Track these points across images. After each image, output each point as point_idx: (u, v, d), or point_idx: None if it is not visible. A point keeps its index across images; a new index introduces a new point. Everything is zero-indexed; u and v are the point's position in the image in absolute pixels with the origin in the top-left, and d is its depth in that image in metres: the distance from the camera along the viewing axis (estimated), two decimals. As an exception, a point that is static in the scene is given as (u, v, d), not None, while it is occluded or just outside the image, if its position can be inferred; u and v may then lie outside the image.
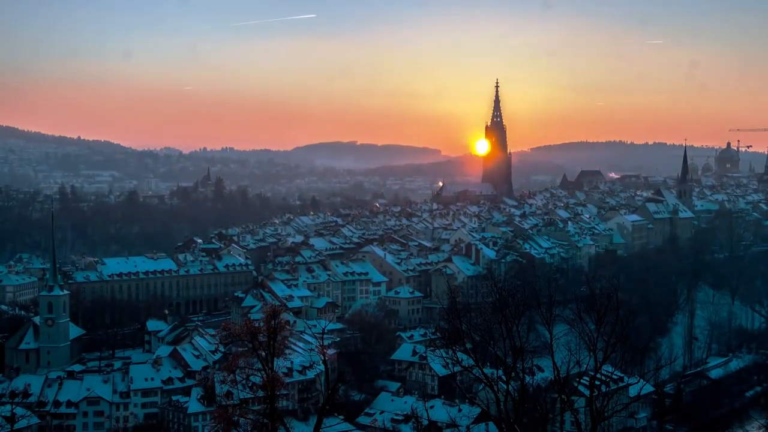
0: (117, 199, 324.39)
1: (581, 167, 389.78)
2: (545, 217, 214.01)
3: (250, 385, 51.27)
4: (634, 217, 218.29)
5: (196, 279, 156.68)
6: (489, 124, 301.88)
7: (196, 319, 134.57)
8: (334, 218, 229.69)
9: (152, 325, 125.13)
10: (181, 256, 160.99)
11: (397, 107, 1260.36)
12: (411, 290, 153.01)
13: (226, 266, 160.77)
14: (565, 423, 44.09)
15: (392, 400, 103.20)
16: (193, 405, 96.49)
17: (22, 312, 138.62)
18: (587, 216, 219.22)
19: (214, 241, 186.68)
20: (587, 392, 42.10)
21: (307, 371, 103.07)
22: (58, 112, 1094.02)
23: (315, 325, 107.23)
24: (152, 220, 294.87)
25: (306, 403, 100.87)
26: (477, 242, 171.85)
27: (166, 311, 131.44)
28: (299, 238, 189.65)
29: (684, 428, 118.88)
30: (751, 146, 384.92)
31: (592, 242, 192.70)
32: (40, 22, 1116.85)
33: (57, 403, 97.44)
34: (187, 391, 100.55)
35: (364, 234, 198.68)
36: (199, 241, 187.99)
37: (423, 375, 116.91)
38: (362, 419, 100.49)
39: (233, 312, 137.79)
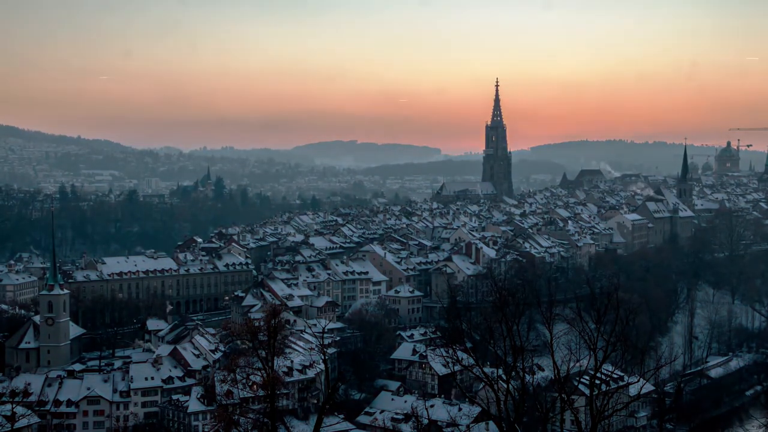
0: (117, 198, 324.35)
1: (581, 166, 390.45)
2: (545, 216, 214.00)
3: (250, 384, 51.32)
4: (634, 216, 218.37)
5: (196, 278, 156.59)
6: (489, 123, 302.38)
7: (196, 318, 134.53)
8: (334, 217, 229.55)
9: (152, 324, 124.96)
10: (181, 256, 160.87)
11: (397, 106, 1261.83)
12: (411, 289, 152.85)
13: (226, 265, 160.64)
14: (565, 422, 44.05)
15: (392, 400, 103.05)
16: (194, 404, 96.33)
17: (23, 311, 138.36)
18: (587, 215, 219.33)
19: (214, 240, 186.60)
20: (587, 391, 42.12)
21: (307, 370, 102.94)
22: (58, 111, 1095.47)
23: (315, 325, 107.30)
24: (152, 219, 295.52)
25: (306, 403, 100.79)
26: (477, 241, 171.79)
27: (167, 312, 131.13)
28: (299, 237, 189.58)
29: (684, 427, 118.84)
30: (751, 145, 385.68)
31: (592, 241, 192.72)
32: (39, 22, 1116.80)
33: (57, 403, 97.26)
34: (187, 391, 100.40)
35: (364, 233, 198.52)
36: (199, 240, 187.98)
37: (423, 374, 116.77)
38: (362, 418, 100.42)
39: (233, 311, 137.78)
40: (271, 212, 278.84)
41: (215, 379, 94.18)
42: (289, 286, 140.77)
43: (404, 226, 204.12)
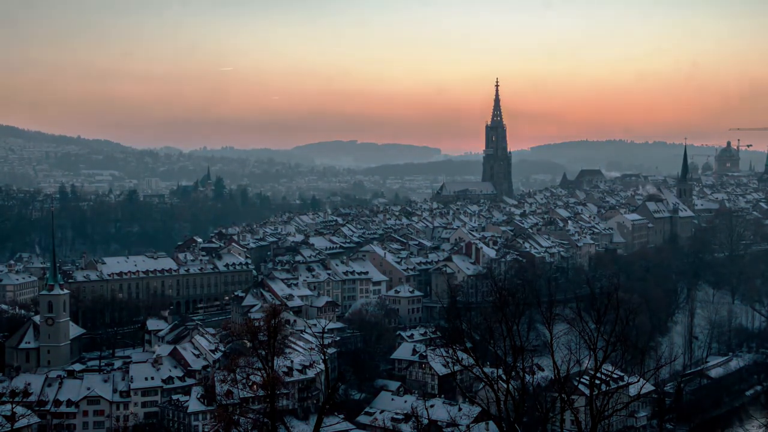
0: (117, 198, 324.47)
1: (581, 166, 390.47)
2: (545, 216, 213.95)
3: (250, 384, 51.29)
4: (634, 216, 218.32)
5: (196, 278, 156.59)
6: (489, 123, 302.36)
7: (196, 318, 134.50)
8: (335, 217, 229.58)
9: (152, 324, 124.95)
10: (181, 255, 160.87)
11: (397, 106, 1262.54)
12: (411, 289, 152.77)
13: (226, 265, 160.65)
14: (565, 422, 44.07)
15: (392, 400, 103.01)
16: (194, 404, 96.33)
17: (23, 311, 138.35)
18: (587, 215, 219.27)
19: (214, 240, 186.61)
20: (587, 391, 42.12)
21: (307, 370, 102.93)
22: (58, 111, 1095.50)
23: (315, 325, 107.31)
24: (152, 219, 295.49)
25: (306, 403, 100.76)
26: (477, 241, 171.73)
27: (167, 312, 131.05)
28: (299, 237, 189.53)
29: (684, 427, 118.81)
30: (751, 145, 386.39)
31: (592, 241, 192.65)
32: (40, 23, 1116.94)
33: (57, 403, 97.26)
34: (187, 391, 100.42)
35: (364, 233, 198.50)
36: (199, 240, 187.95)
37: (423, 374, 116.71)
38: (362, 418, 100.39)
39: (233, 311, 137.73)
40: (271, 212, 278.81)
41: (215, 379, 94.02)
42: (289, 286, 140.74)
43: (404, 226, 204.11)
